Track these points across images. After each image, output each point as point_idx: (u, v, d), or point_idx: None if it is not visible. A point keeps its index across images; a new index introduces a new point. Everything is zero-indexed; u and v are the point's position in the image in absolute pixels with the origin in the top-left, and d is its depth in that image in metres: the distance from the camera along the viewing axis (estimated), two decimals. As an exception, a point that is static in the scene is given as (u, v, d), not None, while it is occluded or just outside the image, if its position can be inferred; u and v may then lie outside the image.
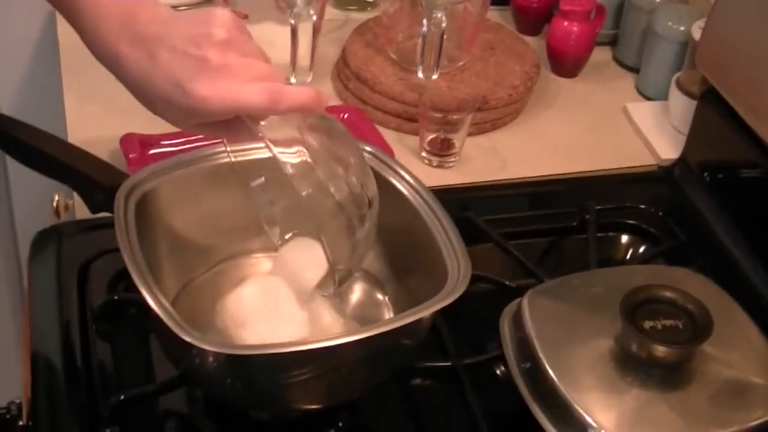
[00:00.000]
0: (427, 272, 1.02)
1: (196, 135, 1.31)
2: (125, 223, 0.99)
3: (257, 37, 1.44)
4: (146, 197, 1.04)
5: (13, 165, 1.65)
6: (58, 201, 1.40)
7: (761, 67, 1.17)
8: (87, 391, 1.04)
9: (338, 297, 1.08)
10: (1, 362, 2.04)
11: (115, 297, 1.12)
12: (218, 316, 1.04)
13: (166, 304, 0.92)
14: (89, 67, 1.41)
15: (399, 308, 1.07)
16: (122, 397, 1.01)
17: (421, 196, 1.06)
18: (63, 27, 1.57)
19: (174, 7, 1.47)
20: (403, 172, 1.08)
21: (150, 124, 1.33)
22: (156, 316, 0.90)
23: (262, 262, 1.12)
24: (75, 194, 1.09)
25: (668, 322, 0.97)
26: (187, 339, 0.88)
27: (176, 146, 1.31)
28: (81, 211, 1.10)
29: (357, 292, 1.11)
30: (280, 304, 1.03)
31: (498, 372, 1.06)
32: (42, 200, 1.45)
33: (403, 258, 1.08)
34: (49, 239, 1.21)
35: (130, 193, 1.02)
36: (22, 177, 1.79)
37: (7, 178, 1.83)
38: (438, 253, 1.01)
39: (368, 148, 1.10)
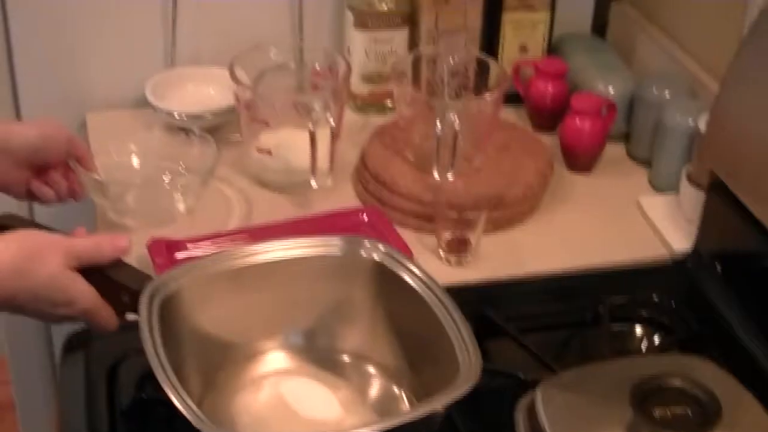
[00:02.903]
0: (440, 366, 1.05)
1: (222, 238, 1.37)
2: (150, 324, 1.04)
3: (278, 142, 1.50)
4: (170, 299, 1.08)
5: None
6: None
7: (764, 158, 1.20)
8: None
9: (357, 392, 1.12)
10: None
11: (143, 396, 1.15)
12: (242, 413, 1.08)
13: (191, 403, 0.95)
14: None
15: (415, 401, 1.11)
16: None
17: (434, 293, 1.10)
18: (94, 134, 1.64)
19: (197, 117, 1.55)
20: (416, 270, 1.12)
21: (177, 229, 1.40)
22: (181, 414, 0.94)
23: (280, 360, 1.16)
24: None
25: (678, 410, 0.99)
26: (211, 436, 0.92)
27: (201, 249, 1.36)
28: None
29: (374, 386, 1.14)
30: (298, 401, 1.07)
31: (514, 464, 1.08)
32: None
33: (418, 353, 1.12)
34: (79, 341, 1.25)
35: (154, 295, 1.07)
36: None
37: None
38: (450, 348, 1.04)
39: (382, 248, 1.15)
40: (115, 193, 1.41)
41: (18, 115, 1.72)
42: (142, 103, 1.65)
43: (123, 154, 1.49)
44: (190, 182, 1.43)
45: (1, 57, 1.66)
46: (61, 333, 1.78)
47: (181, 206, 1.44)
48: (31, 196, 1.35)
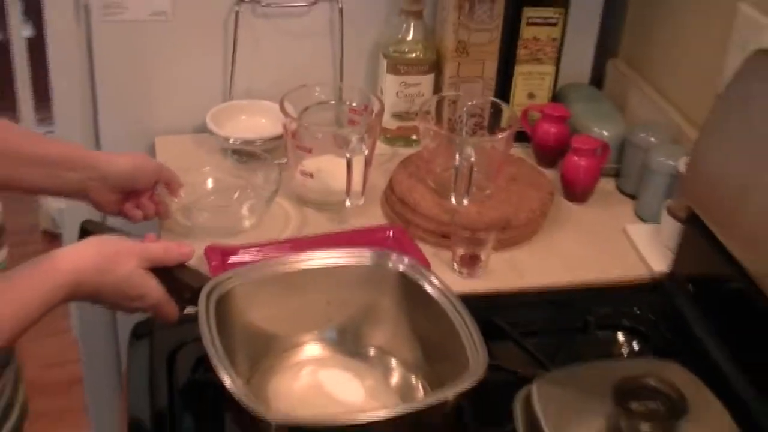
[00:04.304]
0: (452, 361, 1.08)
1: (268, 247, 1.41)
2: (207, 316, 1.07)
3: (319, 167, 1.53)
4: (225, 296, 1.12)
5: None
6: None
7: (734, 198, 1.22)
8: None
9: (381, 380, 1.15)
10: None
11: (198, 378, 1.19)
12: (282, 393, 1.11)
13: (239, 382, 0.99)
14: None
15: (430, 390, 1.14)
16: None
17: (449, 299, 1.13)
18: (161, 156, 1.69)
19: (249, 143, 1.59)
20: (434, 279, 1.15)
21: (229, 237, 1.44)
22: (230, 393, 0.98)
23: (316, 351, 1.19)
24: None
25: (651, 404, 1.02)
26: (257, 412, 0.96)
27: (252, 255, 1.39)
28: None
29: (396, 376, 1.17)
30: (330, 386, 1.11)
31: (512, 446, 1.11)
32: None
33: (434, 350, 1.15)
34: (144, 330, 1.29)
35: (211, 293, 1.10)
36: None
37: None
38: (461, 347, 1.07)
39: (406, 260, 1.18)
40: (194, 214, 1.47)
41: (97, 138, 1.75)
42: (201, 129, 1.69)
43: (199, 175, 1.54)
44: (256, 204, 1.48)
45: (85, 89, 1.71)
46: (124, 321, 1.82)
47: (246, 223, 1.48)
48: (122, 214, 1.40)
